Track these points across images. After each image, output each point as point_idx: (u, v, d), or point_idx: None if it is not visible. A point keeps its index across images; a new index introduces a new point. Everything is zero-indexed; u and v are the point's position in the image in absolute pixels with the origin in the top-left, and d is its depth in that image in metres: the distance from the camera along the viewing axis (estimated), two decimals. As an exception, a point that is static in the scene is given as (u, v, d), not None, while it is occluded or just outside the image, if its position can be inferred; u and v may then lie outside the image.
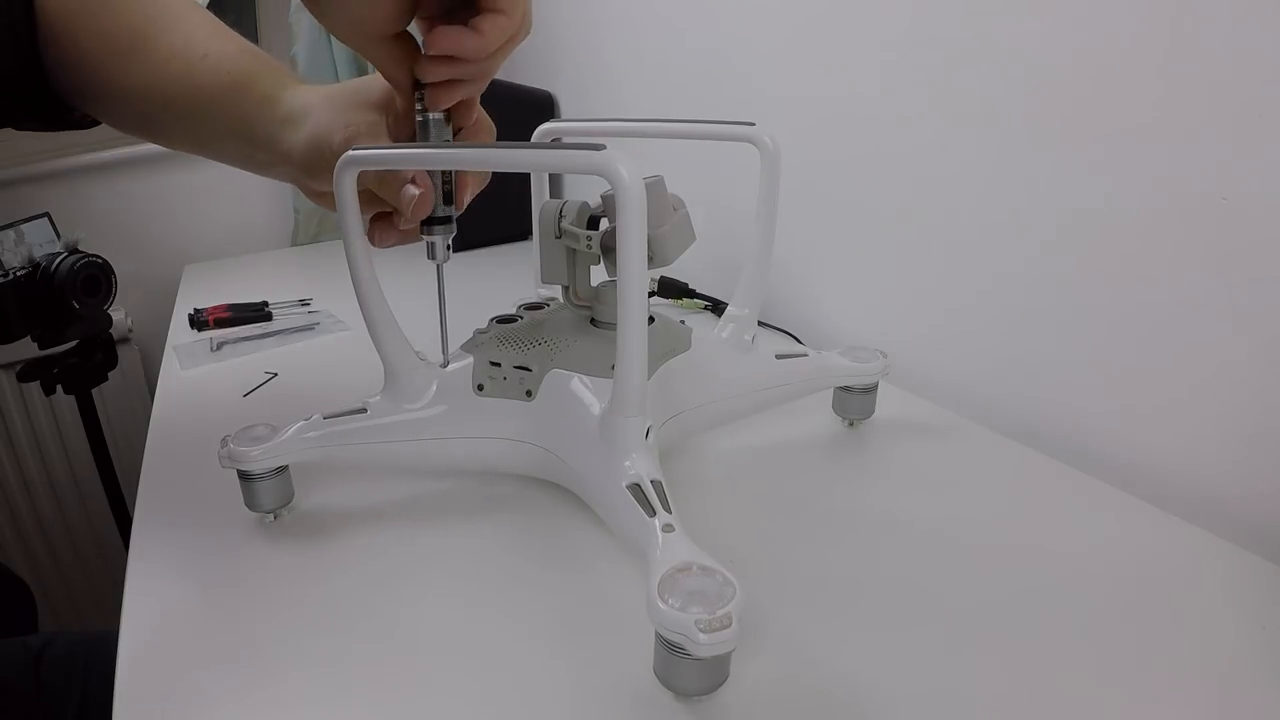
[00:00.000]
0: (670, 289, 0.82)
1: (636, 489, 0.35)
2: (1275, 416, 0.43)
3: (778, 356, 0.50)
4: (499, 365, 0.44)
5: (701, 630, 0.28)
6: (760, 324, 0.60)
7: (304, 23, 1.12)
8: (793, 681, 0.33)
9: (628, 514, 0.34)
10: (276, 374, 0.69)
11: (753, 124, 0.45)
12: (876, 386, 0.53)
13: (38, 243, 1.07)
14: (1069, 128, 0.49)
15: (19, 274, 0.93)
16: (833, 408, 0.54)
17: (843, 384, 0.53)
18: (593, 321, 0.46)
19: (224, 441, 0.43)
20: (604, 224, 0.43)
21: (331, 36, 1.13)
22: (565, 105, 1.15)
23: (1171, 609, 0.38)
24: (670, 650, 0.30)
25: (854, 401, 0.53)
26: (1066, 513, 0.45)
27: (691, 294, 0.81)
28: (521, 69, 1.25)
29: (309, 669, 0.35)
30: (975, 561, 0.41)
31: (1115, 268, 0.49)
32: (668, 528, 0.32)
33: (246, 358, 0.74)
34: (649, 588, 0.30)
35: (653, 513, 0.33)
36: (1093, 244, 0.49)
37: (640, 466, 0.36)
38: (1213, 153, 0.43)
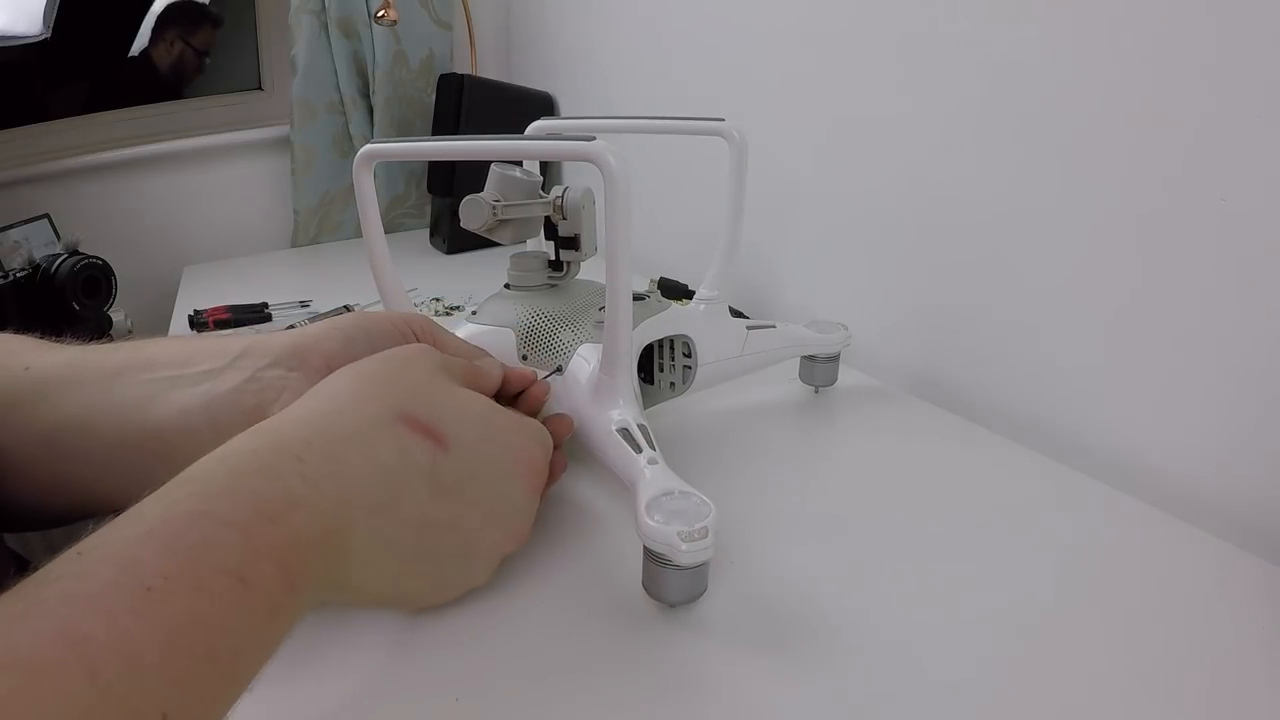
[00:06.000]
0: (671, 290, 0.81)
1: (625, 432, 0.40)
2: (1278, 416, 0.42)
3: (749, 327, 0.55)
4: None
5: (683, 540, 0.33)
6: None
7: (303, 23, 1.14)
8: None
9: (619, 453, 0.40)
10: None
11: (722, 119, 0.50)
12: (839, 356, 0.59)
13: (38, 244, 1.09)
14: (1061, 125, 0.50)
15: (19, 275, 0.95)
16: (799, 376, 0.60)
17: (809, 353, 0.58)
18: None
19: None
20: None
21: (330, 35, 1.15)
22: (565, 105, 1.18)
23: (1170, 610, 0.37)
24: (655, 561, 0.35)
25: (819, 370, 0.59)
26: (1066, 512, 0.46)
27: (691, 294, 0.80)
28: (522, 70, 1.29)
29: (310, 661, 0.35)
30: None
31: (1115, 267, 0.49)
32: (652, 461, 0.38)
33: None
34: (637, 510, 0.35)
35: (639, 450, 0.39)
36: (1091, 244, 0.50)
37: (628, 414, 0.41)
38: (1211, 152, 0.43)
